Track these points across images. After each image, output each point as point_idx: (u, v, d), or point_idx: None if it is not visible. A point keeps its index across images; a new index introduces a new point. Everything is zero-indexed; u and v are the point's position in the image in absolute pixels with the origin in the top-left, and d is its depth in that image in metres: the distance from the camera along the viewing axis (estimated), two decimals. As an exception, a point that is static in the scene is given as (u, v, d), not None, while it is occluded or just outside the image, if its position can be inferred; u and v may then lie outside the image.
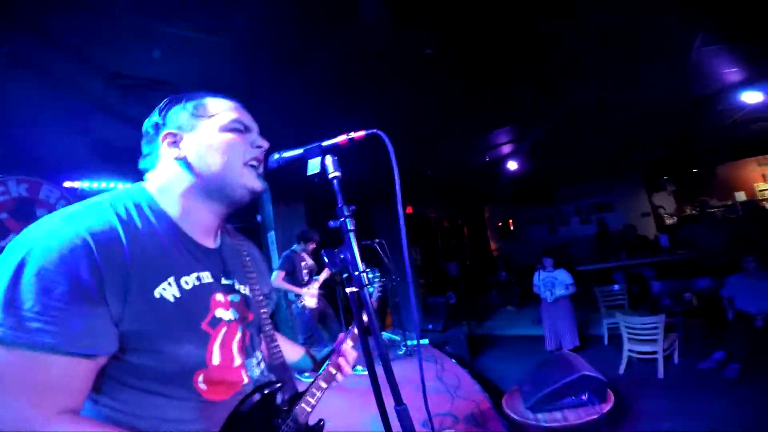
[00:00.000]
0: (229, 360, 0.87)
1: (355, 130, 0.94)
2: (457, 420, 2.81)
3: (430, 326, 5.51)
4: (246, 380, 0.90)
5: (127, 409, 0.75)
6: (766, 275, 4.11)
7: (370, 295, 1.47)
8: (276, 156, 0.96)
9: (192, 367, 0.80)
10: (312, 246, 4.55)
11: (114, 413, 0.75)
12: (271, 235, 5.81)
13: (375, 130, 0.93)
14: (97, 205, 0.78)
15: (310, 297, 4.35)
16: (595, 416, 2.63)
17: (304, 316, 4.39)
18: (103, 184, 4.14)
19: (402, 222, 0.91)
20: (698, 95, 4.43)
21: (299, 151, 0.95)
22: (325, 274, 4.58)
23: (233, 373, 0.88)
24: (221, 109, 0.92)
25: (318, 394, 1.05)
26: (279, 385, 0.94)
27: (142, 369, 0.75)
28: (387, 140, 0.91)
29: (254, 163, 0.93)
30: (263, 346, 1.04)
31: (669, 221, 9.94)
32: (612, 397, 2.77)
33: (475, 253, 11.36)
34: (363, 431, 2.45)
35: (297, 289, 4.31)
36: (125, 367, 0.74)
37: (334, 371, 1.14)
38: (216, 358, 0.84)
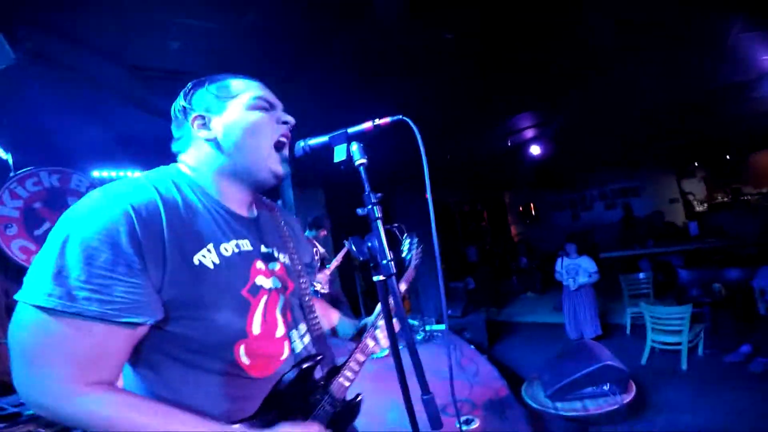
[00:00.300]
0: (272, 329, 0.89)
1: (380, 117, 0.94)
2: (476, 406, 2.84)
3: (449, 312, 5.54)
4: (287, 353, 0.91)
5: (171, 385, 0.77)
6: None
7: (409, 262, 1.46)
8: (302, 144, 0.96)
9: (233, 337, 0.81)
10: (323, 233, 4.58)
11: (159, 389, 0.77)
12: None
13: (401, 117, 0.92)
14: (135, 180, 0.82)
15: (322, 284, 4.41)
16: (615, 407, 2.62)
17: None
18: (129, 173, 4.28)
19: (431, 208, 0.92)
20: (733, 82, 4.21)
21: (325, 138, 0.95)
22: (336, 262, 4.61)
23: (275, 344, 0.89)
24: (244, 89, 0.94)
25: (356, 367, 1.04)
26: (318, 359, 0.94)
27: (183, 340, 0.76)
28: (414, 126, 0.91)
29: (282, 140, 0.96)
30: (305, 315, 1.04)
31: (699, 208, 9.60)
32: (633, 388, 2.75)
33: (495, 239, 11.26)
34: (381, 416, 2.52)
35: None
36: (167, 338, 0.76)
37: (371, 344, 1.12)
38: (257, 327, 0.84)
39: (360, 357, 1.07)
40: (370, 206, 0.87)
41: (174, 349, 0.77)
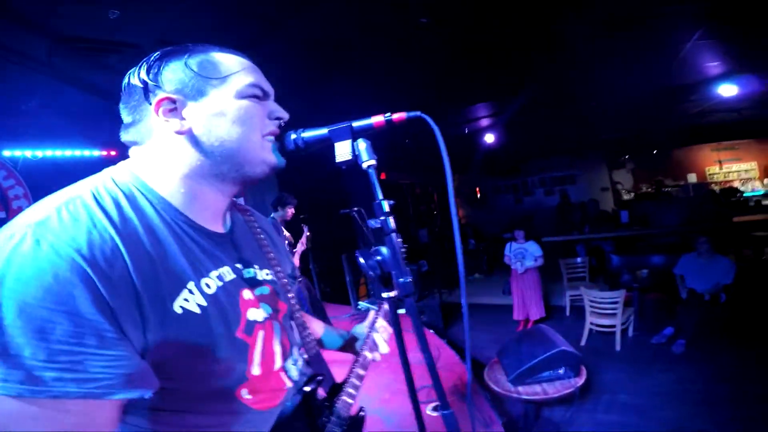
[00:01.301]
0: (270, 365, 0.79)
1: (392, 110, 0.81)
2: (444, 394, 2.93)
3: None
4: (288, 383, 0.83)
5: (169, 428, 0.66)
6: (715, 257, 4.49)
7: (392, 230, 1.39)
8: (293, 136, 0.82)
9: (234, 383, 0.71)
10: (291, 211, 4.20)
11: None
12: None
13: (419, 113, 0.80)
14: (75, 205, 0.59)
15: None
16: (571, 389, 2.83)
17: None
18: (48, 152, 3.72)
19: (452, 207, 0.81)
20: (678, 84, 4.59)
21: (323, 131, 0.81)
22: (301, 247, 4.45)
23: (275, 378, 0.80)
24: (235, 69, 0.74)
25: (358, 383, 0.98)
26: (319, 380, 0.89)
27: (179, 394, 0.65)
28: (434, 125, 0.79)
29: (271, 137, 0.80)
30: (300, 335, 0.94)
31: (626, 197, 10.58)
32: (584, 372, 2.99)
33: (444, 221, 11.60)
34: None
35: None
36: (161, 394, 0.62)
37: (370, 355, 1.06)
38: (256, 369, 0.75)
39: (361, 371, 1.01)
40: (383, 217, 0.77)
41: (169, 401, 0.65)
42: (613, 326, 4.29)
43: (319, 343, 1.20)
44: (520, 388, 2.86)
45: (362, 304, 5.62)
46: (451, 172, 0.79)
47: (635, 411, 3.26)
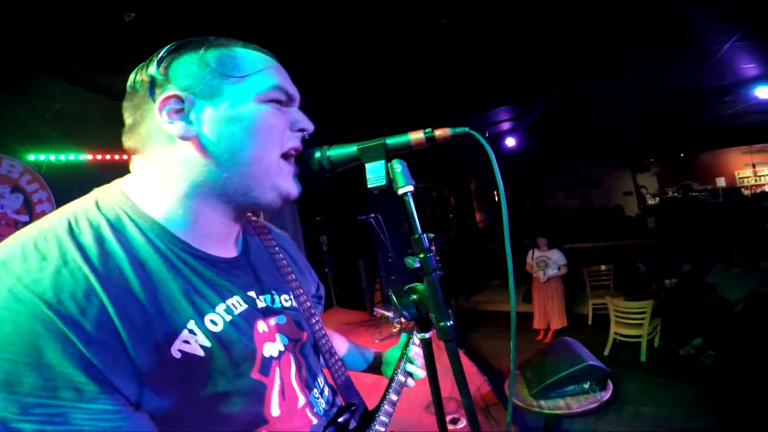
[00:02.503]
0: (293, 404, 0.70)
1: (434, 127, 0.69)
2: (460, 405, 2.83)
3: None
4: (315, 420, 0.74)
5: None
6: (750, 266, 4.27)
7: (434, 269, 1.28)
8: (317, 154, 0.70)
9: (251, 426, 0.63)
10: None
11: None
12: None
13: (467, 129, 0.68)
14: (45, 242, 0.51)
15: None
16: (596, 404, 2.70)
17: None
18: (71, 156, 3.75)
19: (505, 220, 0.71)
20: (710, 87, 4.40)
21: (352, 149, 0.69)
22: None
23: (298, 417, 0.71)
24: (258, 68, 0.64)
25: (391, 410, 0.91)
26: (348, 413, 0.81)
27: None
28: (484, 142, 0.68)
29: (293, 153, 0.69)
30: (325, 363, 0.84)
31: (651, 201, 10.23)
32: (611, 386, 2.85)
33: (461, 225, 11.45)
34: None
35: None
36: None
37: (403, 379, 0.98)
38: (276, 410, 0.66)
39: (394, 397, 0.94)
40: (423, 254, 0.64)
41: None
42: (639, 336, 4.11)
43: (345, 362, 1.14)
44: (542, 402, 2.74)
45: (378, 312, 5.55)
46: (503, 185, 0.69)
47: (661, 423, 3.14)
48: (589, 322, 5.34)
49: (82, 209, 0.58)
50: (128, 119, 0.64)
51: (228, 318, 0.62)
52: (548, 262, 5.17)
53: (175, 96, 0.59)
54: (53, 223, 0.54)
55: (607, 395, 2.80)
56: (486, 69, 4.06)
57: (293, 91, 0.69)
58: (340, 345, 1.12)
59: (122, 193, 0.62)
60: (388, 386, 0.95)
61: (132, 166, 0.66)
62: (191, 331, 0.57)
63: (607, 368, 2.83)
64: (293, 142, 0.68)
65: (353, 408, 0.82)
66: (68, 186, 3.70)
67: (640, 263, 6.18)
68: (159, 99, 0.59)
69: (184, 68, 0.61)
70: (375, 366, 1.14)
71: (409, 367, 1.00)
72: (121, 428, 0.49)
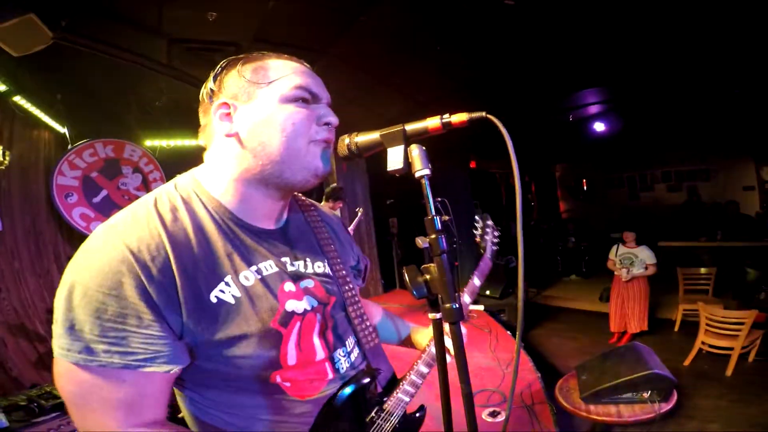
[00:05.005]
0: (311, 355, 0.81)
1: (450, 111, 0.73)
2: (505, 398, 2.81)
3: (488, 291, 5.47)
4: (332, 375, 0.83)
5: (217, 408, 0.76)
6: None
7: (485, 249, 1.31)
8: (347, 140, 0.79)
9: (265, 369, 0.76)
10: (339, 205, 4.47)
11: (207, 411, 0.76)
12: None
13: (484, 114, 0.71)
14: (138, 210, 0.72)
15: None
16: (651, 415, 2.51)
17: None
18: (179, 142, 4.44)
19: (519, 206, 0.72)
20: None
21: (375, 136, 0.77)
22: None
23: (316, 368, 0.82)
24: (283, 74, 0.78)
25: (419, 380, 0.94)
26: (372, 377, 0.87)
27: (218, 373, 0.73)
28: (502, 127, 0.70)
29: (323, 143, 0.80)
30: (354, 328, 0.93)
31: (778, 198, 8.61)
32: (675, 397, 2.62)
33: (542, 214, 10.83)
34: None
35: None
36: (201, 372, 0.73)
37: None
38: (292, 358, 0.78)
39: (424, 369, 0.95)
40: (434, 235, 0.70)
41: (211, 380, 0.75)
42: (731, 349, 3.63)
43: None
44: (591, 407, 2.61)
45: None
46: (519, 174, 0.70)
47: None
48: (676, 329, 4.81)
49: (165, 189, 0.79)
50: (201, 121, 0.84)
51: (258, 276, 0.77)
52: (634, 260, 4.72)
53: (223, 103, 0.77)
54: (146, 198, 0.76)
55: (667, 407, 2.58)
56: (573, 46, 3.72)
57: (318, 89, 0.81)
58: (374, 314, 1.18)
59: (193, 178, 0.82)
60: (420, 357, 0.98)
61: (204, 156, 0.85)
62: (227, 284, 0.73)
63: (675, 379, 2.60)
64: (322, 134, 0.80)
65: (379, 372, 0.89)
66: (177, 167, 4.37)
67: (750, 268, 5.33)
68: (214, 106, 0.78)
69: (229, 81, 0.79)
70: (410, 341, 1.18)
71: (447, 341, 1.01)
72: (162, 352, 0.66)
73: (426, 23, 3.00)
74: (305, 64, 0.84)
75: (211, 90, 0.79)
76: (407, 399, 0.91)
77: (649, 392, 2.61)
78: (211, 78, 0.80)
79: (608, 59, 4.04)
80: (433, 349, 0.96)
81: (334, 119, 0.82)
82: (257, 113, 0.76)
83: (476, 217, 1.41)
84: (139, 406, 0.67)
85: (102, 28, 2.45)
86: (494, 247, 1.24)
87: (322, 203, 4.50)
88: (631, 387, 2.61)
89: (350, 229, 4.55)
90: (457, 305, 0.69)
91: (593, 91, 5.33)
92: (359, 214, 4.78)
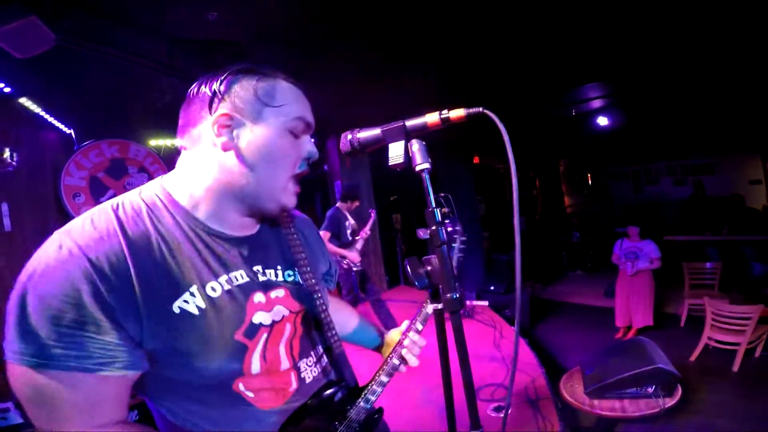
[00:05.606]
0: (275, 365, 0.80)
1: (449, 107, 0.75)
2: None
3: (492, 287, 5.46)
4: (296, 385, 0.83)
5: (181, 413, 0.74)
6: None
7: (451, 257, 1.19)
8: (349, 136, 0.81)
9: (228, 378, 0.75)
10: (356, 204, 4.50)
11: (172, 418, 0.75)
12: (338, 185, 5.96)
13: (481, 109, 0.73)
14: (97, 216, 0.70)
15: (355, 257, 4.37)
16: (656, 410, 2.52)
17: (350, 276, 4.45)
18: (176, 141, 4.49)
19: (516, 199, 0.73)
20: None
21: (376, 131, 0.79)
22: (365, 234, 4.54)
23: (280, 378, 0.81)
24: (289, 100, 0.78)
25: (379, 390, 0.94)
26: (335, 387, 0.89)
27: (179, 381, 0.72)
28: (499, 123, 0.72)
29: (299, 175, 0.82)
30: (322, 337, 0.93)
31: (786, 191, 8.53)
32: (679, 392, 2.63)
33: (546, 209, 10.79)
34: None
35: (343, 252, 4.29)
36: (162, 378, 0.71)
37: (398, 362, 0.99)
38: (256, 367, 0.77)
39: (384, 379, 0.96)
40: (434, 227, 0.72)
41: (173, 387, 0.73)
42: (737, 344, 3.62)
43: (353, 338, 1.21)
44: (595, 402, 2.63)
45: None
46: (516, 169, 0.73)
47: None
48: (682, 324, 4.79)
49: (128, 197, 0.77)
50: (181, 119, 0.80)
51: (227, 287, 0.75)
52: (638, 254, 4.72)
53: (227, 115, 0.74)
54: (107, 205, 0.74)
55: (671, 402, 2.59)
56: (574, 41, 3.70)
57: (311, 119, 0.83)
58: (349, 321, 1.20)
59: (161, 186, 0.80)
60: (381, 367, 0.99)
61: (179, 159, 0.82)
62: (192, 294, 0.71)
63: (679, 374, 2.60)
64: (303, 168, 0.83)
65: (342, 383, 0.90)
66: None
67: (756, 263, 5.30)
68: (215, 114, 0.74)
69: (240, 92, 0.75)
70: (381, 347, 1.21)
71: (405, 353, 0.99)
72: (118, 357, 0.65)
73: (426, 20, 2.98)
74: (300, 87, 0.84)
75: (214, 92, 0.75)
76: (368, 407, 0.92)
77: (654, 387, 2.62)
78: (219, 82, 0.75)
79: (613, 53, 4.02)
80: (395, 360, 0.99)
81: (315, 152, 0.84)
82: (261, 136, 0.75)
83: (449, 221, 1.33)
84: (98, 408, 0.67)
85: (104, 29, 2.46)
86: (460, 255, 1.16)
87: (339, 203, 4.54)
88: (635, 382, 2.62)
89: (366, 230, 4.57)
90: (457, 295, 0.72)
91: (597, 86, 5.29)
92: (372, 215, 4.78)
